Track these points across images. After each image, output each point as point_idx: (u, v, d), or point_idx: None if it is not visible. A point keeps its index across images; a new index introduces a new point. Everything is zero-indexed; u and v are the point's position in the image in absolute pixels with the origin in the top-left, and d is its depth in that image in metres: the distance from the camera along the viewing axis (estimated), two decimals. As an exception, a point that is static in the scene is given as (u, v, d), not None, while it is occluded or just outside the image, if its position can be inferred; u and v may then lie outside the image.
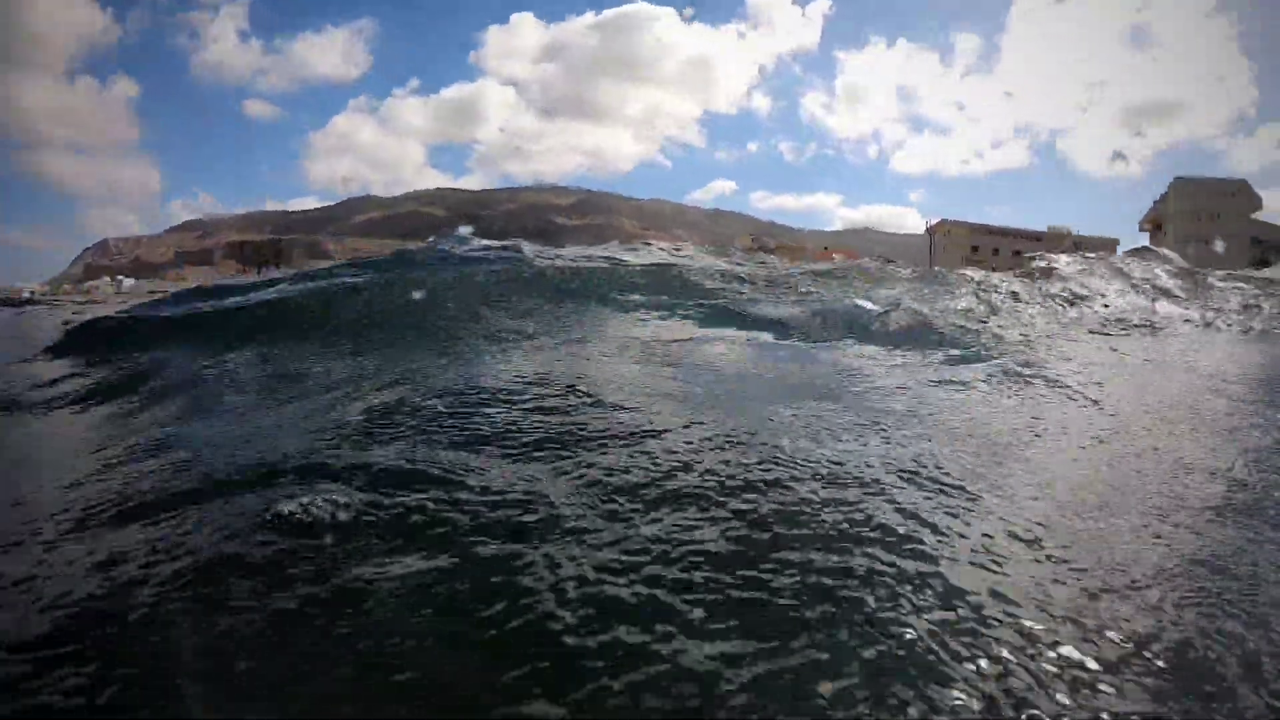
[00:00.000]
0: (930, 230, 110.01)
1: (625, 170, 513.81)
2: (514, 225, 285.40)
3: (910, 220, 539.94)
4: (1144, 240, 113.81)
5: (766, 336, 10.09)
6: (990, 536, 3.53)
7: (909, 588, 2.95)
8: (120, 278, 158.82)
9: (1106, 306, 17.28)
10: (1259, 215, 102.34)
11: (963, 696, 2.30)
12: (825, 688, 2.33)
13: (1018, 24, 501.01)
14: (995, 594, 2.91)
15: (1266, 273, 28.91)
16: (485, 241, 17.61)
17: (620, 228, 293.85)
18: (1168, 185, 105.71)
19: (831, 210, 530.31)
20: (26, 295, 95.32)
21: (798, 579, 2.95)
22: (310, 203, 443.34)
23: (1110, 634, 2.68)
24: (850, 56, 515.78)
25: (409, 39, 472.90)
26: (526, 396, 5.60)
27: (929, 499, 3.91)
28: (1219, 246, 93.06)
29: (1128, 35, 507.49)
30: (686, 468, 4.16)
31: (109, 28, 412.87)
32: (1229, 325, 16.43)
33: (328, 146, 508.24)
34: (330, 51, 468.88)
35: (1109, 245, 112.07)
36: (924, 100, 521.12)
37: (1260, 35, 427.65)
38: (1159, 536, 3.73)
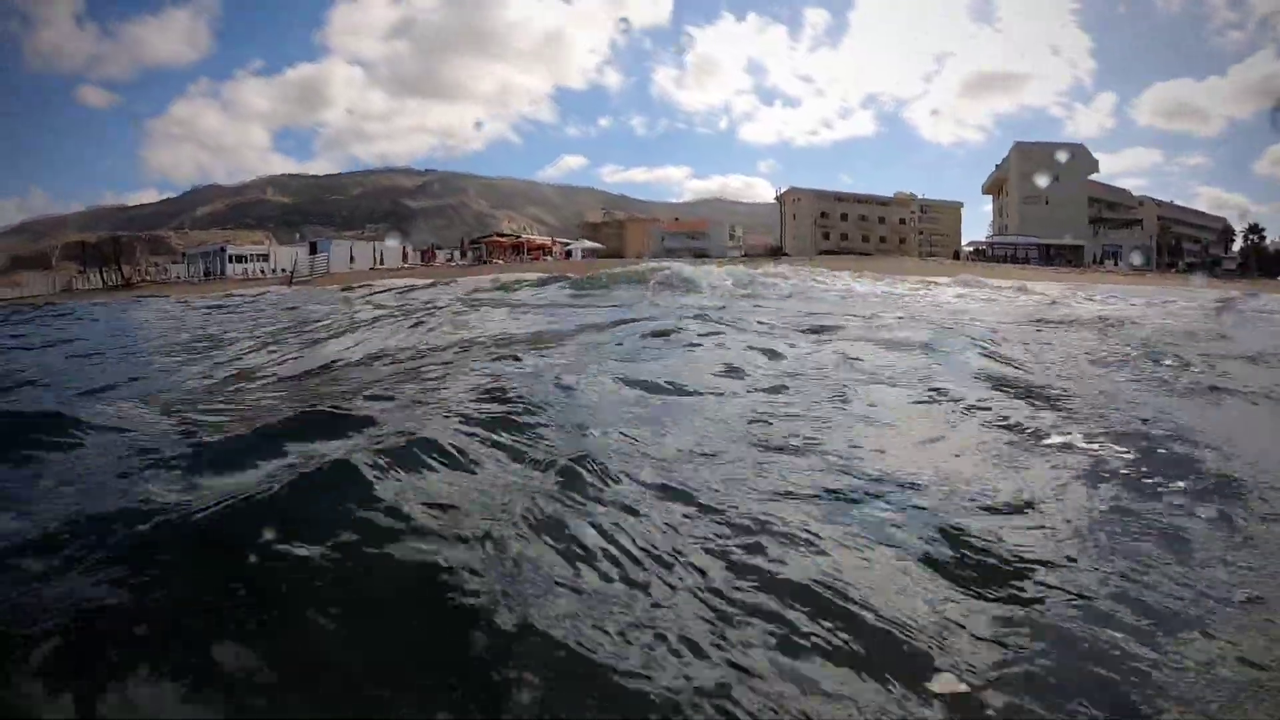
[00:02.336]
0: (780, 198, 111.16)
1: (476, 149, 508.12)
2: (364, 209, 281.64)
3: (761, 189, 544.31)
4: (987, 202, 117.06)
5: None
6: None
7: None
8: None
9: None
10: (1095, 177, 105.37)
11: None
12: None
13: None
14: None
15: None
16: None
17: (471, 207, 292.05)
18: (1009, 150, 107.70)
19: (681, 182, 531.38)
20: None
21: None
22: (151, 195, 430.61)
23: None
24: (701, 31, 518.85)
25: (252, 17, 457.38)
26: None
27: None
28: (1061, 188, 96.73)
29: (972, 8, 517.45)
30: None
31: None
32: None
33: (168, 134, 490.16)
34: (170, 33, 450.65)
35: (954, 208, 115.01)
36: (773, 72, 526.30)
37: (1097, 9, 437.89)
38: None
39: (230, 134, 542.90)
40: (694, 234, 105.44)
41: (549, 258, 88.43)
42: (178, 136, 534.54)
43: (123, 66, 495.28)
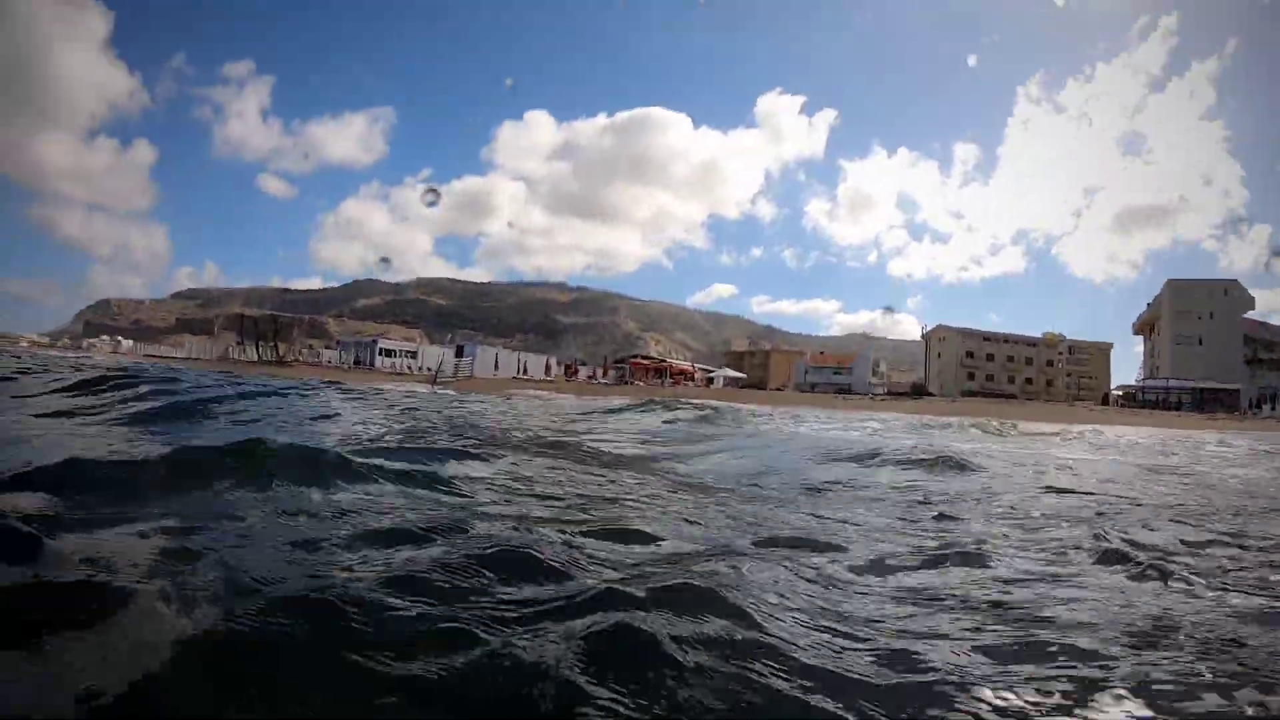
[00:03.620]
0: (925, 336, 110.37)
1: (629, 270, 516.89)
2: (515, 319, 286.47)
3: (908, 326, 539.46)
4: (1138, 342, 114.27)
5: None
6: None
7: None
8: (119, 339, 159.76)
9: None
10: (1250, 314, 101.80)
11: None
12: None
13: (1015, 134, 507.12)
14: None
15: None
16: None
17: (621, 327, 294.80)
18: (1160, 287, 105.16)
19: (830, 315, 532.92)
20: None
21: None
22: (314, 283, 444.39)
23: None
24: (853, 165, 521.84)
25: (424, 129, 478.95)
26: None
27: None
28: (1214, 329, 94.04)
29: (1122, 142, 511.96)
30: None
31: (136, 92, 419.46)
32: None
33: (337, 229, 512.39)
34: (347, 136, 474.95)
35: (1103, 349, 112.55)
36: (923, 208, 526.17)
37: (1249, 138, 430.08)
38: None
39: (396, 235, 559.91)
40: (837, 368, 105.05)
41: (690, 383, 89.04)
42: (347, 232, 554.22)
43: (301, 161, 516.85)
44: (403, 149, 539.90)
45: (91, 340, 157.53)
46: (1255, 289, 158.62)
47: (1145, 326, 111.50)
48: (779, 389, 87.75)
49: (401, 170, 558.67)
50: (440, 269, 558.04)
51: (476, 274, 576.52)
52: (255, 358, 77.28)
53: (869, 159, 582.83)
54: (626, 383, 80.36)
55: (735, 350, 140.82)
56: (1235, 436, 33.58)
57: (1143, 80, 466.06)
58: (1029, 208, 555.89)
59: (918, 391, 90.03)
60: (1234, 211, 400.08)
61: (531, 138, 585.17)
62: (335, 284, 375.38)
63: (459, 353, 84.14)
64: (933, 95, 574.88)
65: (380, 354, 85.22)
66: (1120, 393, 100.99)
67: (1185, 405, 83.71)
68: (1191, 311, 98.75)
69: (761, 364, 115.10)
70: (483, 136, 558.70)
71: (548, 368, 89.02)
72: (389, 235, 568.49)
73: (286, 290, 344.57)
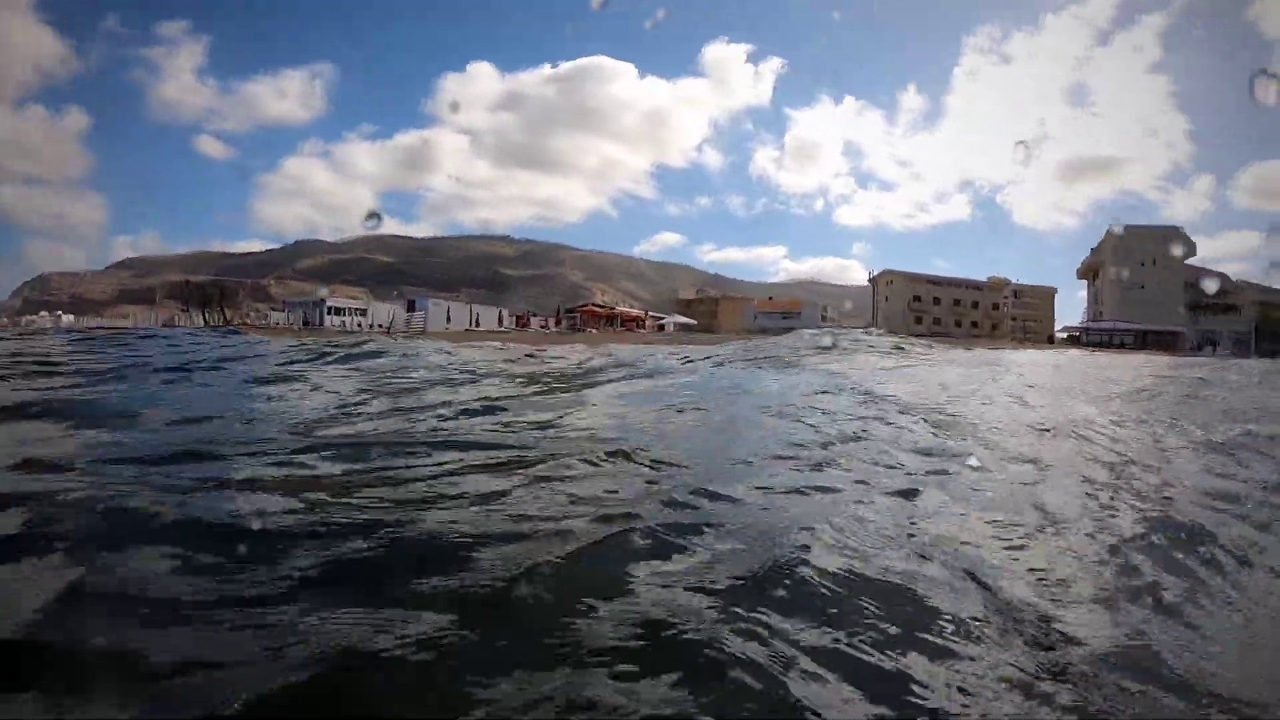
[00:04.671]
0: (873, 281, 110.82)
1: (574, 221, 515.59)
2: (461, 273, 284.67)
3: (855, 272, 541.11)
4: (1082, 287, 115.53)
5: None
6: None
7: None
8: (59, 314, 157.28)
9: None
10: (1193, 261, 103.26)
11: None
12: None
13: (962, 84, 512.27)
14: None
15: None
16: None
17: (568, 278, 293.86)
18: (1104, 234, 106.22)
19: (776, 262, 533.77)
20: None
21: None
22: (255, 245, 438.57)
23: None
24: (800, 113, 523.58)
25: (365, 84, 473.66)
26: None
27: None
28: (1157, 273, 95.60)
29: (1067, 93, 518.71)
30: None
31: (66, 58, 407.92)
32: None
33: (278, 189, 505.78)
34: (287, 93, 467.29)
35: (1048, 293, 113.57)
36: (870, 156, 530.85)
37: (1194, 91, 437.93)
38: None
39: (338, 193, 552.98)
40: (787, 313, 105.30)
41: (641, 329, 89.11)
42: (287, 192, 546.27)
43: (239, 121, 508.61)
44: (343, 105, 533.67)
45: (31, 317, 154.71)
46: (1196, 236, 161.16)
47: (1089, 271, 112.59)
48: (731, 334, 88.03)
49: (342, 126, 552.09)
50: (384, 225, 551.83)
51: (421, 229, 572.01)
52: (203, 324, 76.39)
53: (816, 108, 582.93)
54: (579, 330, 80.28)
55: (684, 298, 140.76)
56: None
57: (1090, 33, 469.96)
58: (975, 157, 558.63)
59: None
60: (1177, 163, 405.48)
61: (475, 89, 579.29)
62: (276, 245, 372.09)
63: (410, 307, 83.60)
64: (880, 45, 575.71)
65: (330, 313, 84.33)
66: (1065, 334, 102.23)
67: (1128, 346, 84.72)
68: (1134, 257, 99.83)
69: (710, 311, 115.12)
70: (425, 89, 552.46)
71: (500, 319, 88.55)
72: (330, 194, 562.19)
73: (227, 255, 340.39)
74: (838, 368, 18.88)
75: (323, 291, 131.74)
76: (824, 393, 12.07)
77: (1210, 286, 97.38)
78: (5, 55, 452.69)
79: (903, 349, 30.42)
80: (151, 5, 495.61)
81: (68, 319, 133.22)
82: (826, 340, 32.15)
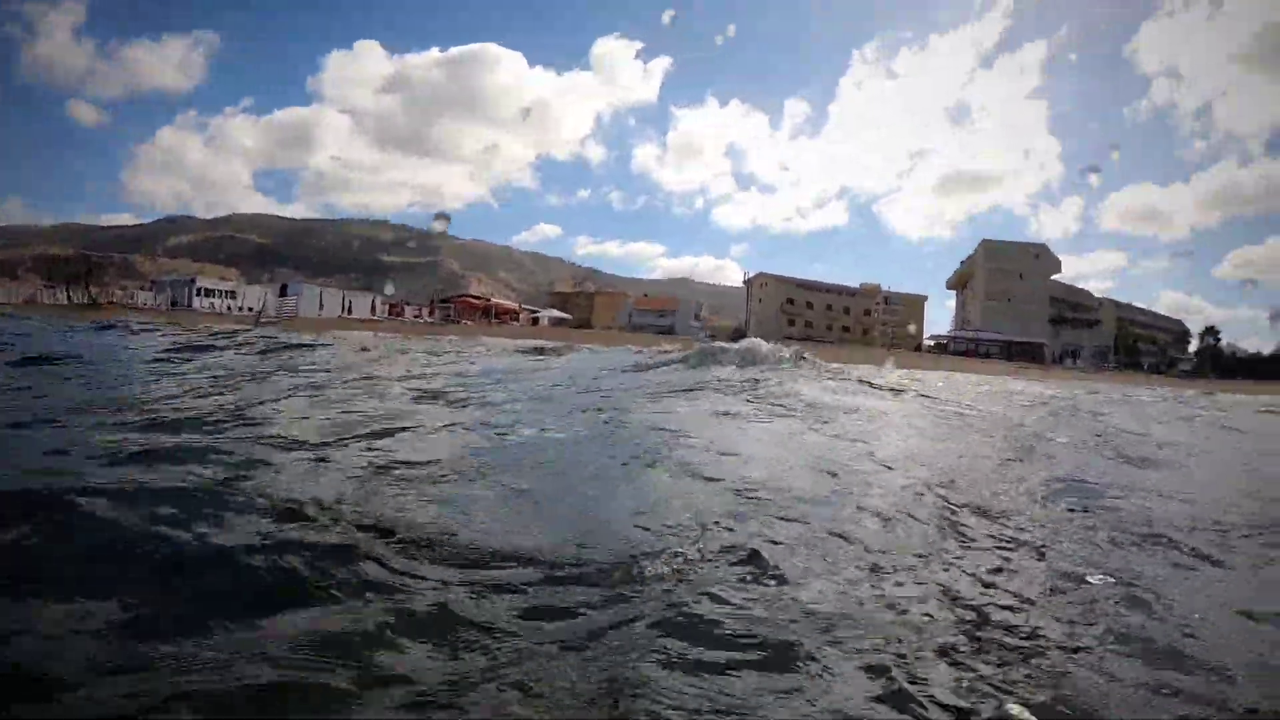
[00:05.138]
0: (748, 282, 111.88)
1: (455, 208, 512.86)
2: (337, 257, 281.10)
3: (731, 273, 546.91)
4: (952, 297, 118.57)
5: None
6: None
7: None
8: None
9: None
10: (1058, 277, 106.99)
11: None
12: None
13: (847, 93, 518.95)
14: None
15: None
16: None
17: (445, 266, 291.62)
18: (976, 247, 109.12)
19: (654, 259, 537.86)
20: None
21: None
22: (126, 219, 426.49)
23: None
24: (685, 112, 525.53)
25: (249, 55, 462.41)
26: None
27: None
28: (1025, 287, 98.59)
29: (950, 110, 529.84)
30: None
31: None
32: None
33: (152, 160, 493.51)
34: (167, 60, 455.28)
35: (918, 301, 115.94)
36: (752, 159, 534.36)
37: (1069, 117, 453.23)
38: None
39: (214, 167, 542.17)
40: (662, 311, 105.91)
41: (515, 322, 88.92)
42: (161, 164, 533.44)
43: (115, 87, 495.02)
44: (225, 76, 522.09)
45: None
46: (1063, 254, 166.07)
47: (959, 282, 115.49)
48: (605, 329, 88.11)
49: (222, 99, 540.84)
50: (260, 204, 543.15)
51: (297, 209, 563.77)
52: (67, 301, 74.29)
53: (702, 108, 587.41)
54: (453, 322, 79.79)
55: (559, 291, 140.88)
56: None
57: (975, 54, 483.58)
58: (855, 165, 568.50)
59: (738, 336, 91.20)
60: (1048, 183, 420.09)
61: (360, 69, 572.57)
62: (148, 220, 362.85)
63: (282, 292, 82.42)
64: (770, 50, 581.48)
65: (199, 294, 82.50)
66: (932, 342, 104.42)
67: (994, 355, 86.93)
68: (1003, 270, 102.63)
69: (586, 305, 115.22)
70: (310, 65, 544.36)
71: (373, 307, 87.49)
72: (206, 167, 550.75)
73: (96, 228, 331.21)
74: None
75: (194, 271, 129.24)
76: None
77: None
78: None
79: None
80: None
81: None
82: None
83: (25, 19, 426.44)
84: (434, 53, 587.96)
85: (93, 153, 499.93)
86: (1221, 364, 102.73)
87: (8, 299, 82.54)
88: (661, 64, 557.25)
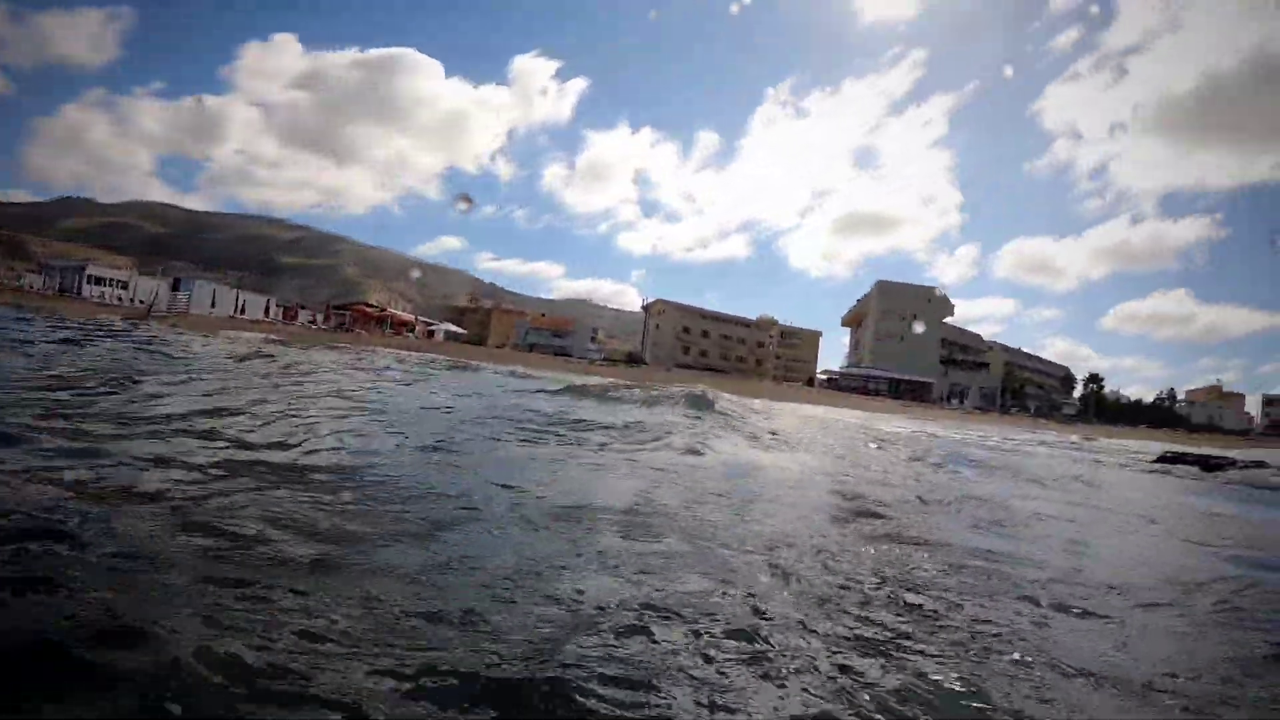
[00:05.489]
0: (646, 308, 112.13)
1: (357, 213, 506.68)
2: (233, 253, 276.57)
3: (630, 297, 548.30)
4: (846, 334, 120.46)
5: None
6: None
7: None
8: None
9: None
10: (950, 320, 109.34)
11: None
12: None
13: (758, 129, 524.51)
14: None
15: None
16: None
17: (342, 271, 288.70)
18: (871, 287, 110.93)
19: (554, 279, 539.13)
20: None
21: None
22: (22, 195, 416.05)
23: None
24: (597, 135, 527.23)
25: (163, 36, 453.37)
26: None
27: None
28: (918, 328, 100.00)
29: (855, 154, 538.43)
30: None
31: None
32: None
33: (53, 136, 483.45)
34: (78, 32, 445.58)
35: (813, 336, 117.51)
36: (659, 186, 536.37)
37: (971, 169, 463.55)
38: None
39: (116, 149, 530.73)
40: (558, 331, 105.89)
41: (411, 335, 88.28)
42: (62, 141, 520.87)
43: (22, 54, 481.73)
44: (136, 55, 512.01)
45: None
46: (956, 299, 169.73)
47: (854, 320, 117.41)
48: (499, 347, 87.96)
49: (131, 79, 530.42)
50: (160, 192, 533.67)
51: (197, 201, 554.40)
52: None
53: (613, 131, 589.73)
54: (347, 330, 79.05)
55: (457, 305, 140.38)
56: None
57: (885, 102, 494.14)
58: (760, 199, 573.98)
59: (633, 360, 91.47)
60: (946, 230, 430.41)
61: (275, 62, 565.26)
62: (44, 198, 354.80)
63: (175, 286, 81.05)
64: (686, 80, 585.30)
65: (89, 282, 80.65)
66: (825, 377, 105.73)
67: (883, 393, 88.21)
68: (896, 311, 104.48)
69: (483, 321, 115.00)
70: (225, 53, 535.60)
71: (267, 309, 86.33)
72: (108, 148, 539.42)
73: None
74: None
75: (86, 257, 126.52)
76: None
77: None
78: None
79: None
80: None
81: None
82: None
83: None
84: (352, 53, 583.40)
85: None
86: (1104, 409, 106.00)
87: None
88: (577, 85, 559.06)
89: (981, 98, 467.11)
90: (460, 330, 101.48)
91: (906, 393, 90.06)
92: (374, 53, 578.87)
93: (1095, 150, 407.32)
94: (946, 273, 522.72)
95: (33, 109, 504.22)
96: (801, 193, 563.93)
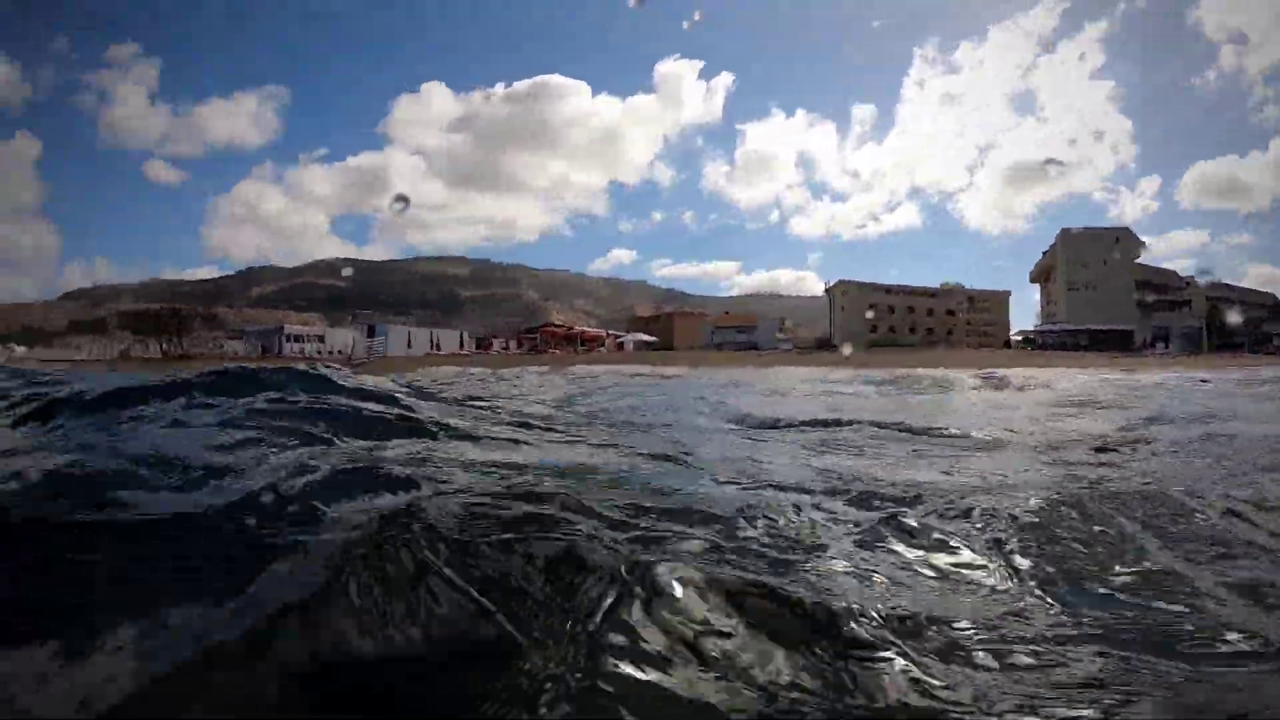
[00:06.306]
0: (829, 291, 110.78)
1: (529, 240, 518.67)
2: (415, 295, 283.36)
3: (810, 283, 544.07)
4: (1035, 290, 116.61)
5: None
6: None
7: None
8: (11, 346, 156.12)
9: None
10: (1142, 260, 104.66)
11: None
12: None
13: (911, 93, 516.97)
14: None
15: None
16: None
17: (522, 298, 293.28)
18: (1055, 237, 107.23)
19: (730, 277, 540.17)
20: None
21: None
22: (207, 272, 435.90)
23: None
24: (752, 127, 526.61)
25: (318, 106, 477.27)
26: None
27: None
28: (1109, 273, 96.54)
29: (1013, 100, 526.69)
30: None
31: (15, 82, 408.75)
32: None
33: (229, 213, 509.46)
34: (239, 116, 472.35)
35: (1001, 297, 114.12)
36: (822, 167, 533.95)
37: (1137, 95, 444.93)
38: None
39: (291, 217, 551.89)
40: (742, 327, 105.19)
41: (601, 348, 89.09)
42: (238, 216, 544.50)
43: (191, 145, 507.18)
44: (296, 127, 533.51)
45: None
46: (1146, 235, 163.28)
47: (1041, 275, 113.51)
48: (688, 349, 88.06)
49: (296, 149, 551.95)
50: (337, 248, 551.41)
51: (375, 252, 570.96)
52: (160, 354, 75.74)
53: (768, 120, 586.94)
54: (539, 351, 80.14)
55: (640, 315, 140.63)
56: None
57: (1034, 41, 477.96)
58: (925, 164, 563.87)
59: (823, 345, 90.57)
60: (1122, 164, 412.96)
61: (429, 110, 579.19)
62: (229, 272, 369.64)
63: (370, 333, 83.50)
64: (831, 57, 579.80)
65: (289, 340, 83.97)
66: (1020, 338, 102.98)
67: (1082, 347, 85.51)
68: (1085, 258, 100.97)
69: (666, 327, 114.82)
70: (379, 110, 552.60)
71: (461, 342, 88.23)
72: (283, 216, 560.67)
73: (180, 281, 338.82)
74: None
75: (277, 319, 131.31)
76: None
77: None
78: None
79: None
80: (102, 26, 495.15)
81: (20, 350, 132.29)
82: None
83: (99, 88, 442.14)
84: (499, 89, 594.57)
85: (172, 210, 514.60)
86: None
87: (102, 355, 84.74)
88: (724, 80, 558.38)
89: (1133, 18, 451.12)
90: (650, 338, 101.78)
91: (1106, 344, 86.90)
92: (520, 85, 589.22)
93: (1265, 52, 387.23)
94: (1129, 210, 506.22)
95: (208, 192, 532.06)
96: (966, 149, 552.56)
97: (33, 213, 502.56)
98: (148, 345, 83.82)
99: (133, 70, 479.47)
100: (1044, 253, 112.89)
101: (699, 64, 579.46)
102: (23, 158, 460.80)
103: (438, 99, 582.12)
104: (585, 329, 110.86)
